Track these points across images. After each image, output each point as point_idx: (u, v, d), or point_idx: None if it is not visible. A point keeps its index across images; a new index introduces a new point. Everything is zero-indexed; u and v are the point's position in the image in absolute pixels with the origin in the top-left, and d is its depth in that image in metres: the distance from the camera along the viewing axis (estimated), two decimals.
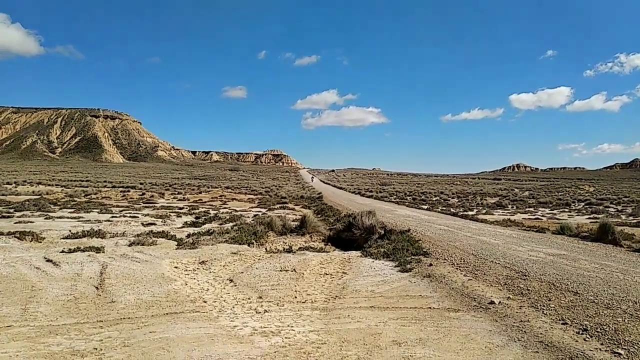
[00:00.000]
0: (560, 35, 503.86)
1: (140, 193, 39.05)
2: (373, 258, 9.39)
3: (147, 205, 27.66)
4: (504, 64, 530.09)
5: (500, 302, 5.61)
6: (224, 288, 6.72)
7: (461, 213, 22.52)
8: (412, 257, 8.97)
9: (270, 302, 5.92)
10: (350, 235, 13.34)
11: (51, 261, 8.11)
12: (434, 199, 43.59)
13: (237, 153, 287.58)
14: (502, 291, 6.15)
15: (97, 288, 6.48)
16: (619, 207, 33.78)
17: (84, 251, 9.41)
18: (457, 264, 8.05)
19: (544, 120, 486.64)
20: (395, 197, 42.93)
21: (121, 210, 22.59)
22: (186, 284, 6.90)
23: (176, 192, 42.23)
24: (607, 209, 32.06)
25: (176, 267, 8.18)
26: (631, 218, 23.24)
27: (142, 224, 16.45)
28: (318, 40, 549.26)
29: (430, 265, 8.03)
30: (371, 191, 52.56)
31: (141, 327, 4.82)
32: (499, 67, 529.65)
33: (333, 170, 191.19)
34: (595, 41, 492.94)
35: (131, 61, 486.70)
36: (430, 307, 5.60)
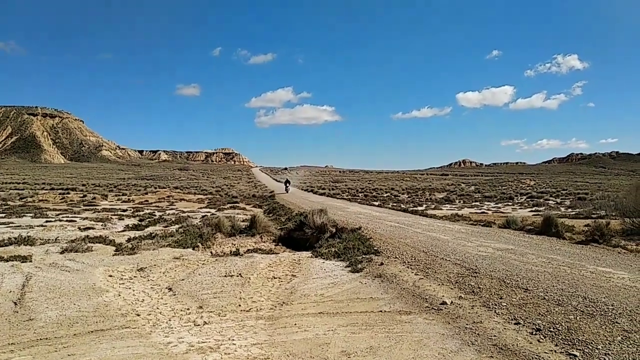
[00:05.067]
0: (504, 36, 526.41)
1: (82, 195, 36.93)
2: (324, 258, 9.09)
3: (87, 208, 26.09)
4: (453, 64, 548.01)
5: (452, 302, 5.44)
6: (162, 298, 6.18)
7: (411, 209, 22.71)
8: (363, 256, 8.75)
9: (212, 313, 5.46)
10: (301, 235, 13.01)
11: None
12: (385, 195, 44.05)
13: (186, 152, 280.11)
14: (453, 290, 5.99)
15: (15, 304, 5.77)
16: (558, 200, 35.43)
17: (7, 261, 8.50)
18: (408, 262, 7.88)
19: (488, 117, 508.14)
20: (347, 194, 42.97)
21: (58, 214, 21.13)
22: (119, 295, 6.30)
23: (121, 194, 40.29)
24: (547, 201, 33.54)
25: (110, 276, 7.52)
26: (570, 210, 24.33)
27: (79, 228, 15.36)
28: (274, 38, 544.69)
29: (382, 264, 7.82)
30: (324, 189, 52.40)
31: (59, 350, 4.25)
32: (447, 67, 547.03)
33: (286, 168, 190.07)
34: (535, 42, 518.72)
35: (78, 58, 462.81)
36: (381, 311, 5.34)
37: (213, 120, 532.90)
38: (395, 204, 28.10)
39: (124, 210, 24.05)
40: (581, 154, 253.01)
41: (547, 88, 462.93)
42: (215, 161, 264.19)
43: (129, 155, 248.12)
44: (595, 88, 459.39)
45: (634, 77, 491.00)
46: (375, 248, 9.36)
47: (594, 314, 4.63)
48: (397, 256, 8.41)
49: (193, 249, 10.50)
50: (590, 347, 3.84)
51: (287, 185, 43.90)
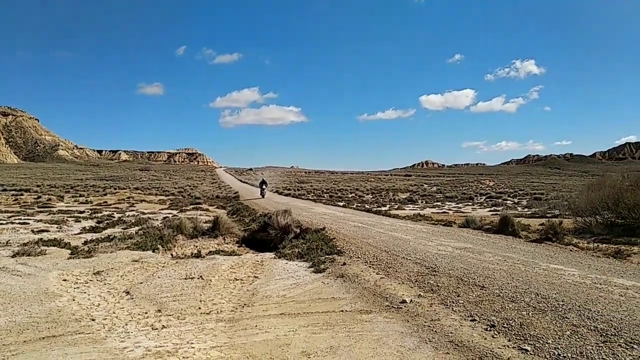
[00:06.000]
0: (466, 41, 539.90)
1: (36, 196, 35.45)
2: (287, 259, 9.08)
3: (42, 209, 25.05)
4: (417, 67, 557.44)
5: (411, 300, 5.53)
6: (119, 302, 6.01)
7: (375, 209, 22.98)
8: (327, 256, 8.78)
9: (170, 316, 5.35)
10: (265, 236, 12.95)
11: None
12: (350, 195, 44.44)
13: (148, 152, 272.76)
14: (413, 289, 6.10)
15: None
16: (516, 200, 36.70)
17: None
18: (370, 261, 7.97)
19: (450, 120, 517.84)
20: (312, 194, 43.07)
21: (10, 217, 20.19)
22: (73, 300, 6.08)
23: (78, 195, 38.94)
24: (505, 201, 34.68)
25: (65, 280, 7.25)
26: (526, 210, 25.23)
27: (33, 231, 14.73)
28: (240, 38, 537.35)
29: (344, 264, 7.87)
30: (289, 189, 52.28)
31: (7, 358, 4.06)
32: (411, 70, 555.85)
33: (251, 169, 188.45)
34: (495, 48, 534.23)
35: (33, 54, 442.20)
36: (342, 310, 5.38)
37: (176, 120, 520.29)
38: (359, 205, 28.37)
39: (81, 212, 23.24)
40: (537, 155, 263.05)
41: (506, 92, 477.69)
42: (178, 161, 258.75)
43: (87, 155, 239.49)
44: (551, 92, 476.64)
45: (587, 83, 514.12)
46: (338, 248, 9.42)
47: (546, 309, 4.81)
48: (360, 256, 8.49)
49: (153, 252, 10.25)
50: (541, 342, 3.99)
51: (263, 188, 34.28)
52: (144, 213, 22.80)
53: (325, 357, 3.98)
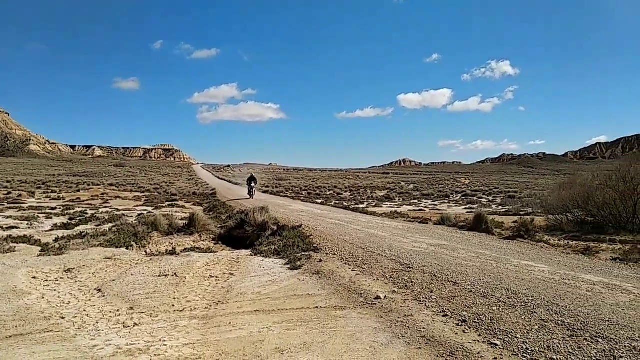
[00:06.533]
0: (443, 40, 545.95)
1: (6, 192, 34.41)
2: (263, 256, 9.05)
3: (12, 206, 24.32)
4: (395, 66, 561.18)
5: (385, 296, 5.59)
6: (90, 300, 5.88)
7: (352, 206, 23.06)
8: (303, 253, 8.78)
9: (143, 314, 5.26)
10: (242, 233, 12.85)
11: None
12: (328, 193, 44.49)
13: (123, 148, 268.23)
14: (387, 285, 6.16)
15: None
16: (490, 198, 37.36)
17: None
18: (346, 258, 8.01)
19: (427, 118, 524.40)
20: (290, 192, 42.96)
21: None
22: (43, 298, 5.93)
23: (50, 191, 37.94)
24: (480, 199, 35.28)
25: (34, 278, 7.05)
26: (500, 207, 25.73)
27: (2, 227, 14.30)
28: (218, 33, 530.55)
29: (320, 261, 7.89)
30: (267, 186, 51.99)
31: None
32: (390, 69, 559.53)
33: (229, 166, 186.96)
34: (472, 48, 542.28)
35: (4, 47, 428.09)
36: (317, 307, 5.39)
37: (153, 116, 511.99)
38: (337, 202, 28.44)
39: (53, 209, 22.66)
40: (512, 154, 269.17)
41: (482, 92, 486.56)
42: (154, 158, 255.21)
43: (60, 150, 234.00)
44: (525, 93, 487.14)
45: (560, 84, 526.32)
46: (315, 245, 9.43)
47: (515, 305, 4.92)
48: (336, 253, 8.52)
49: (127, 249, 10.08)
50: (510, 336, 4.08)
51: (252, 186, 27.82)
52: (118, 210, 22.37)
53: (299, 354, 3.98)
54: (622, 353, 3.64)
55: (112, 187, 46.73)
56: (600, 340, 3.90)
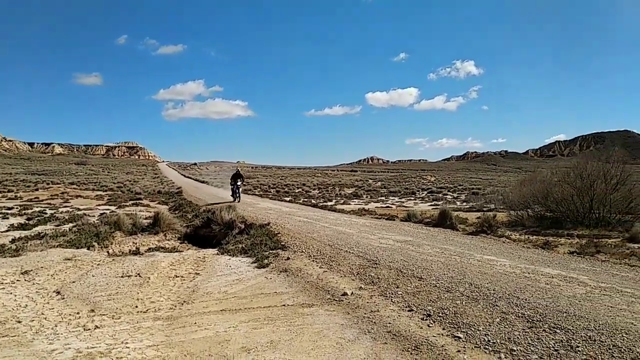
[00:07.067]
0: (411, 39, 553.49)
1: None
2: (230, 255, 8.95)
3: None
4: (363, 64, 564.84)
5: (352, 293, 5.63)
6: (48, 303, 5.67)
7: (321, 204, 23.15)
8: (271, 251, 8.73)
9: (104, 316, 5.11)
10: (209, 232, 12.69)
11: None
12: (297, 190, 44.45)
13: (85, 145, 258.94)
14: (354, 281, 6.21)
15: None
16: (455, 195, 38.23)
17: None
18: (314, 255, 8.01)
19: (395, 117, 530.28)
20: (259, 189, 42.74)
21: None
22: None
23: (6, 190, 36.38)
24: (445, 196, 36.05)
25: None
26: (464, 204, 26.37)
27: None
28: (184, 29, 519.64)
29: (288, 259, 7.87)
30: None
31: None
32: (358, 67, 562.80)
33: (195, 164, 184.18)
34: (437, 48, 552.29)
35: None
36: (284, 305, 5.37)
37: (116, 112, 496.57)
38: (306, 200, 28.48)
39: (9, 209, 21.73)
40: (476, 152, 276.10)
41: (447, 91, 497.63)
42: (118, 155, 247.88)
43: (17, 147, 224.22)
44: (489, 92, 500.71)
45: (522, 84, 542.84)
46: (282, 243, 9.39)
47: (478, 298, 5.05)
48: (304, 250, 8.52)
49: (88, 249, 9.77)
50: (473, 329, 4.18)
51: (237, 185, 22.12)
52: (79, 209, 21.67)
53: (265, 352, 3.96)
54: (579, 343, 3.78)
55: (73, 185, 45.23)
56: (558, 330, 4.05)
